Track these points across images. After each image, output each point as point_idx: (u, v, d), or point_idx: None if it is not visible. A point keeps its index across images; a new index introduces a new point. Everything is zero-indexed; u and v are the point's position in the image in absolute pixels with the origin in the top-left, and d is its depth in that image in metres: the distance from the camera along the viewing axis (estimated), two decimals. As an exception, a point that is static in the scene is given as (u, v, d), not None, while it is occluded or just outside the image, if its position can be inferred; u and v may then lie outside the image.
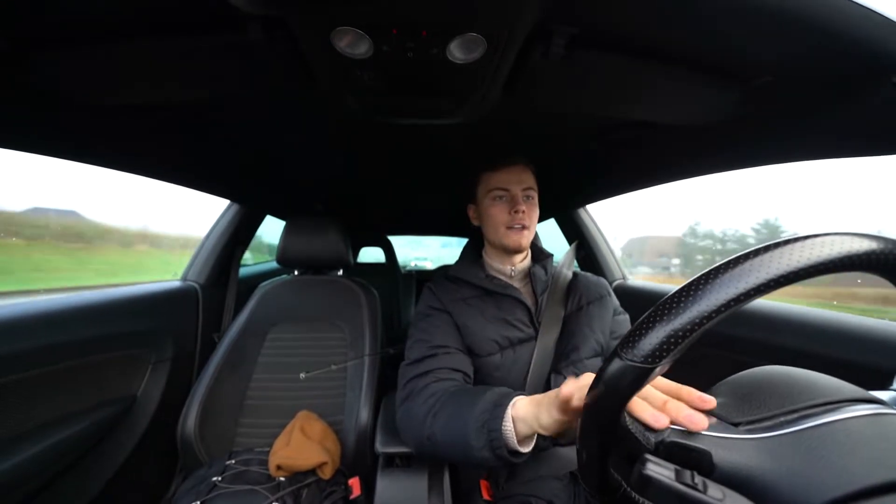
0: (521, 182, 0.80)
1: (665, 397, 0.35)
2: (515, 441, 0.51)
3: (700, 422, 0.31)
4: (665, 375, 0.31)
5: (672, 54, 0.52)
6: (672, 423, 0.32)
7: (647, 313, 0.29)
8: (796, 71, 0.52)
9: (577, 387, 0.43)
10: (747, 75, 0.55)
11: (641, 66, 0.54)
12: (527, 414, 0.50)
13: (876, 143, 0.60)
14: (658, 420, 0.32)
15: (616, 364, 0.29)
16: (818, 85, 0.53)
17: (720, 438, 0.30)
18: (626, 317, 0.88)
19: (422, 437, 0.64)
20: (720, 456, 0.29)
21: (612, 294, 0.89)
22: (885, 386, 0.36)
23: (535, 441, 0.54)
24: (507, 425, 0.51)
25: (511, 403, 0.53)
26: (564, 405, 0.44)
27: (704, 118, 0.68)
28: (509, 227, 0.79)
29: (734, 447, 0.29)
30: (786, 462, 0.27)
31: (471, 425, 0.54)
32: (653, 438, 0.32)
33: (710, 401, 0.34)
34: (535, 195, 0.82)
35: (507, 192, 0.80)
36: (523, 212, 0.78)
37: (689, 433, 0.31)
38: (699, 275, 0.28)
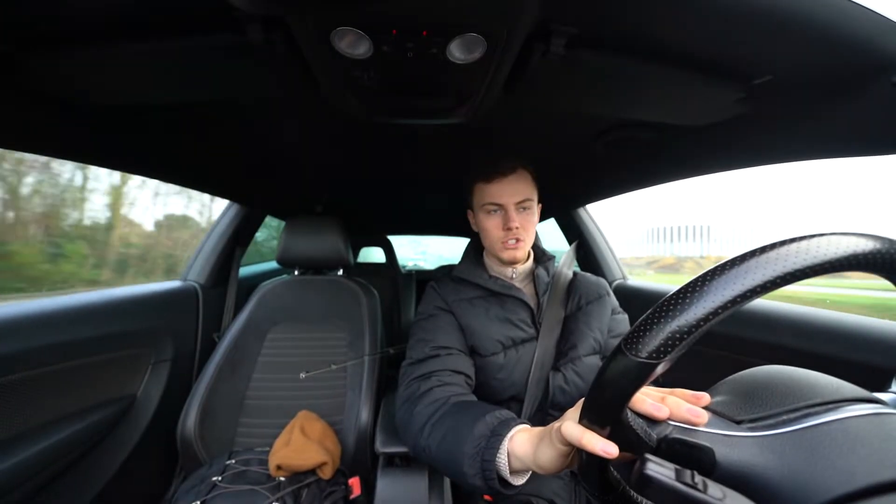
0: (516, 194, 0.76)
1: (662, 394, 0.35)
2: (508, 473, 0.50)
3: (701, 414, 0.31)
4: (666, 375, 0.31)
5: (672, 54, 0.52)
6: (673, 418, 0.32)
7: (651, 309, 0.29)
8: (796, 71, 0.52)
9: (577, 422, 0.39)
10: (747, 75, 0.55)
11: (641, 66, 0.54)
12: (524, 453, 0.48)
13: (876, 143, 0.60)
14: (660, 410, 0.32)
15: (620, 360, 0.29)
16: (818, 85, 0.53)
17: (722, 436, 0.30)
18: (625, 316, 0.88)
19: (418, 446, 0.64)
20: (722, 453, 0.29)
21: (611, 294, 0.89)
22: (884, 386, 0.36)
23: (529, 475, 0.52)
24: (502, 458, 0.50)
25: (509, 436, 0.51)
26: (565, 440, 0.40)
27: (704, 118, 0.68)
28: (504, 242, 0.78)
29: (737, 444, 0.29)
30: (788, 460, 0.27)
31: (466, 450, 0.53)
32: (655, 435, 0.32)
33: (702, 397, 0.34)
34: (532, 204, 0.79)
35: (500, 206, 0.77)
36: (517, 227, 0.76)
37: (692, 430, 0.31)
38: (704, 272, 0.28)
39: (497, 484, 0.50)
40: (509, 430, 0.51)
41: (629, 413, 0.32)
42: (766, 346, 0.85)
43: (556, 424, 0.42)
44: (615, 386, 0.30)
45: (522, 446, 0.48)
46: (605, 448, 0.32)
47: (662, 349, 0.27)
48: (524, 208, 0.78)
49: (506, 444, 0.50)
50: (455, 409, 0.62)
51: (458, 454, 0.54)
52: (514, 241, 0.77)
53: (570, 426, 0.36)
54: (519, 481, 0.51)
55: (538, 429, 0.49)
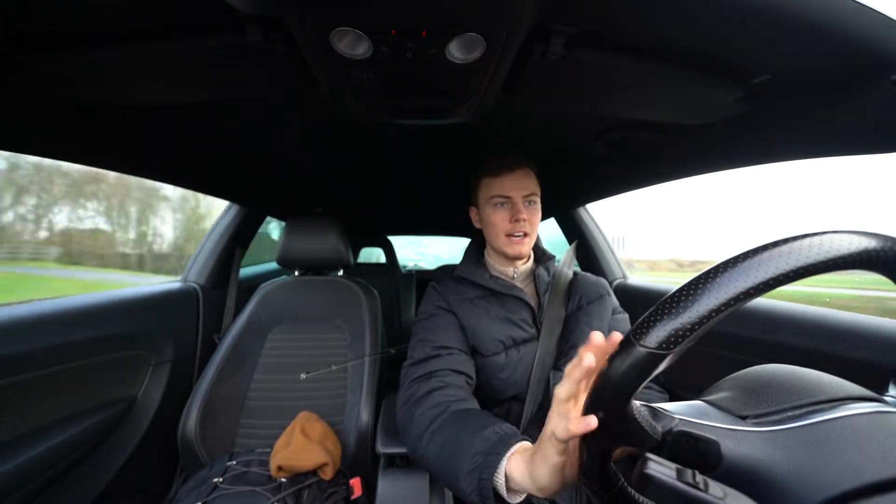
0: (523, 188, 0.78)
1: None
2: (505, 491, 0.49)
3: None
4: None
5: (672, 54, 0.52)
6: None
7: (662, 300, 0.29)
8: (796, 70, 0.52)
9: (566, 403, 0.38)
10: (747, 74, 0.55)
11: (641, 65, 0.54)
12: (522, 477, 0.46)
13: (876, 142, 0.60)
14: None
15: (628, 350, 0.29)
16: (818, 83, 0.53)
17: (728, 430, 0.30)
18: (626, 316, 0.88)
19: (417, 453, 0.64)
20: (728, 447, 0.29)
21: (612, 293, 0.89)
22: (884, 386, 0.36)
23: (525, 496, 0.51)
24: (499, 479, 0.49)
25: (508, 455, 0.50)
26: (559, 443, 0.39)
27: (704, 118, 0.68)
28: (510, 235, 0.79)
29: (742, 439, 0.30)
30: (793, 455, 0.27)
31: (463, 465, 0.52)
32: (660, 428, 0.32)
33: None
34: (538, 199, 0.81)
35: (508, 199, 0.79)
36: (524, 220, 0.78)
37: (697, 423, 0.31)
38: (716, 265, 0.28)
39: (494, 502, 0.50)
40: (508, 449, 0.50)
41: (634, 405, 0.32)
42: (767, 345, 0.85)
43: (545, 432, 0.41)
44: (622, 377, 0.30)
45: (521, 469, 0.47)
46: (588, 422, 0.32)
47: (672, 340, 0.27)
48: (530, 202, 0.80)
49: (503, 465, 0.49)
50: (454, 420, 0.61)
51: (455, 469, 0.53)
52: (520, 235, 0.79)
53: (555, 420, 0.36)
54: (516, 499, 0.50)
55: (533, 446, 0.47)
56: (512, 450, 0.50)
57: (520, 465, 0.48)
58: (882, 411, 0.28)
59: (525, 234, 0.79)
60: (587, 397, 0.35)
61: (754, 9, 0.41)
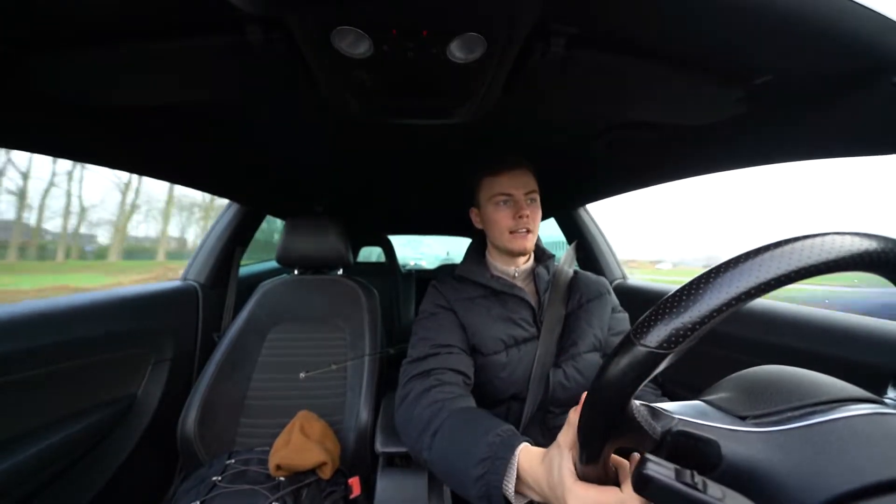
0: (524, 186, 0.80)
1: None
2: (514, 496, 0.49)
3: None
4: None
5: (672, 54, 0.52)
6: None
7: (662, 299, 0.29)
8: (796, 71, 0.52)
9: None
10: (747, 75, 0.55)
11: (641, 66, 0.54)
12: (539, 486, 0.46)
13: (876, 143, 0.60)
14: None
15: (628, 349, 0.29)
16: (818, 85, 0.53)
17: (728, 430, 0.30)
18: (625, 315, 0.88)
19: (420, 456, 0.64)
20: (728, 447, 0.29)
21: (612, 292, 0.89)
22: (883, 388, 0.36)
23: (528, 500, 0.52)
24: (508, 486, 0.49)
25: (514, 460, 0.50)
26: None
27: (704, 118, 0.68)
28: (514, 232, 0.80)
29: (742, 439, 0.30)
30: (793, 456, 0.27)
31: (471, 473, 0.52)
32: (659, 428, 0.32)
33: None
34: (538, 196, 0.83)
35: (510, 196, 0.80)
36: (527, 216, 0.79)
37: (697, 423, 0.31)
38: (717, 265, 0.27)
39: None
40: (511, 452, 0.51)
41: (634, 405, 0.32)
42: (767, 346, 0.85)
43: (559, 440, 0.42)
44: (622, 376, 0.29)
45: (534, 471, 0.47)
46: None
47: (672, 340, 0.27)
48: (532, 200, 0.81)
49: (513, 470, 0.50)
50: (453, 423, 0.61)
51: (463, 476, 0.54)
52: (524, 231, 0.79)
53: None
54: (522, 501, 0.51)
55: (538, 451, 0.48)
56: (517, 453, 0.50)
57: (534, 470, 0.48)
58: (881, 413, 0.28)
59: (528, 231, 0.80)
60: (585, 399, 0.35)
61: (755, 10, 0.41)
